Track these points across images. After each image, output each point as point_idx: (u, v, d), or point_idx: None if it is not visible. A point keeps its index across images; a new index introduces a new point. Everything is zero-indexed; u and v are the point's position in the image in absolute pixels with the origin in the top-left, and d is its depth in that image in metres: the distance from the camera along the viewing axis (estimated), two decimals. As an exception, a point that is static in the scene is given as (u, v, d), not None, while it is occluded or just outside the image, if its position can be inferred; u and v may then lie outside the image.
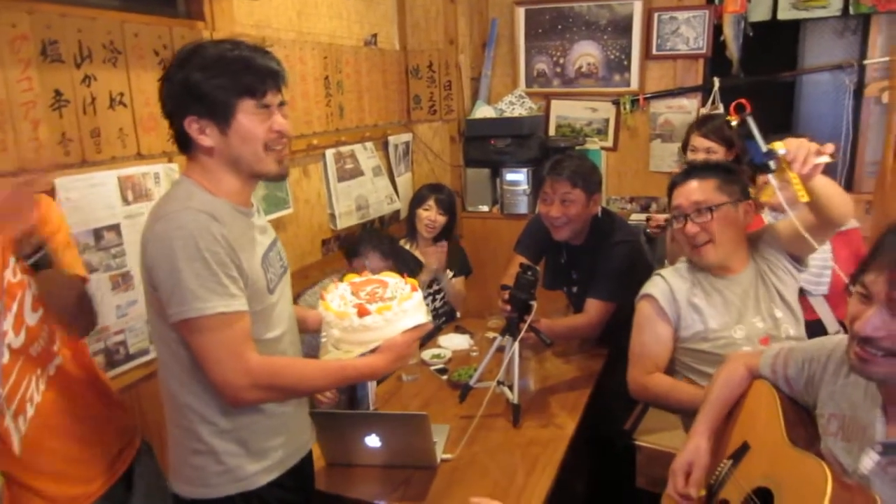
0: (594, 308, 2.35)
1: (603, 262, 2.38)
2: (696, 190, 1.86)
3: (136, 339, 2.00)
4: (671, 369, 2.00)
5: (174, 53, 1.39)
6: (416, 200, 3.09)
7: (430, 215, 3.01)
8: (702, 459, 1.50)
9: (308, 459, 1.62)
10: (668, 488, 1.52)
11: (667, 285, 1.93)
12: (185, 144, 1.36)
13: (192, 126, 1.31)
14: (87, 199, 1.85)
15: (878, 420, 1.23)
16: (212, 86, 1.28)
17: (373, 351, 1.42)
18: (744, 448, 1.48)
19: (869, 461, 1.22)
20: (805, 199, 1.49)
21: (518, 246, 2.67)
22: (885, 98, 3.12)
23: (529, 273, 1.97)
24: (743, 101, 1.49)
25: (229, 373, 1.28)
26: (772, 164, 1.48)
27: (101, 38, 1.90)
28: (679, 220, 1.88)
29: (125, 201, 1.96)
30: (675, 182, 1.95)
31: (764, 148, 1.48)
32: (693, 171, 1.92)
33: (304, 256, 2.87)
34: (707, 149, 2.56)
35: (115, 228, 1.93)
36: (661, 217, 2.58)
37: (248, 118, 1.31)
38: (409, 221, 3.14)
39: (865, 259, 1.16)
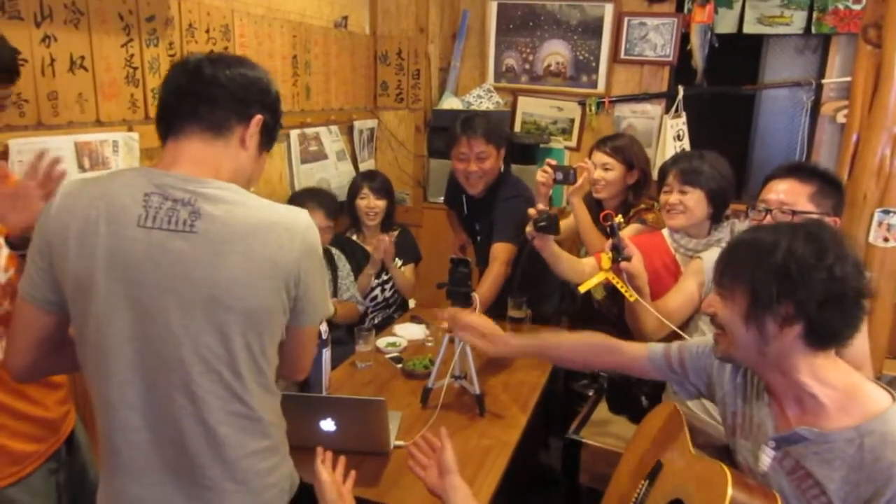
0: (501, 250, 2.47)
1: (502, 211, 2.55)
2: (788, 191, 1.78)
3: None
4: (691, 330, 2.06)
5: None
6: (353, 191, 3.01)
7: (368, 203, 2.94)
8: None
9: None
10: None
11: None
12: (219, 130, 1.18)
13: (254, 125, 1.18)
14: (40, 163, 1.79)
15: (767, 417, 1.28)
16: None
17: None
18: (657, 467, 1.52)
19: (766, 458, 1.26)
20: (633, 298, 1.77)
21: (447, 202, 3.02)
22: (840, 118, 3.22)
23: (462, 266, 1.99)
24: (611, 212, 1.76)
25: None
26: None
27: (64, -3, 1.83)
28: (761, 213, 1.82)
29: (81, 168, 1.90)
30: (773, 174, 1.88)
31: (620, 257, 1.81)
32: (795, 169, 1.84)
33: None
34: (604, 164, 2.58)
35: (69, 196, 1.87)
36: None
37: (265, 159, 1.31)
38: (350, 213, 3.05)
39: None
